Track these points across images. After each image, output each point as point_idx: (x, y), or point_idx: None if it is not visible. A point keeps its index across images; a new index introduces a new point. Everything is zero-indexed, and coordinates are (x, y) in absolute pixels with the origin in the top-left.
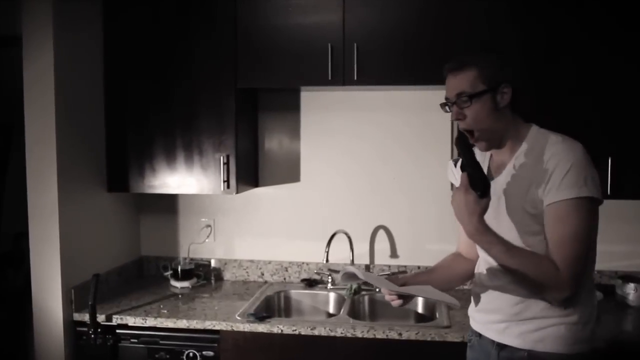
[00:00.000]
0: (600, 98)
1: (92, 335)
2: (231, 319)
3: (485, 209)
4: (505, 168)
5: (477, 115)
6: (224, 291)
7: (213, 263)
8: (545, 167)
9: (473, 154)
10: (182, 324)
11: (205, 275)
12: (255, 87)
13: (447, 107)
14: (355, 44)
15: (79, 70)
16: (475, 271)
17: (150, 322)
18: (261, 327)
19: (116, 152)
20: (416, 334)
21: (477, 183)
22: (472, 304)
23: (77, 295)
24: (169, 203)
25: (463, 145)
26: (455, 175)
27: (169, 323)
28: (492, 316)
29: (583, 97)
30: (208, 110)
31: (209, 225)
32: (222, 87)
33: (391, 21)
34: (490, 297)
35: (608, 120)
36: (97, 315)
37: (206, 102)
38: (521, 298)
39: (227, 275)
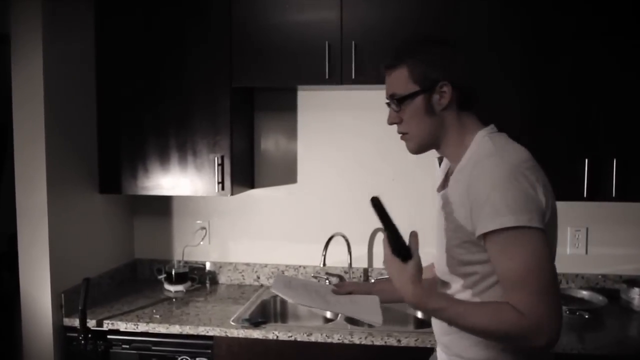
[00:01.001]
0: (604, 99)
1: (83, 341)
2: (225, 324)
3: (415, 274)
4: (449, 181)
5: (410, 120)
6: (218, 295)
7: (208, 266)
8: (468, 191)
9: (388, 216)
10: (175, 329)
11: (200, 279)
12: (250, 86)
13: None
14: (353, 42)
15: (70, 69)
16: None
17: (142, 327)
18: (256, 333)
19: (108, 152)
20: (415, 340)
21: (396, 247)
22: None
23: (67, 299)
24: (163, 205)
25: (377, 208)
26: (437, 174)
27: (162, 328)
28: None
29: (586, 99)
30: (202, 110)
31: (203, 228)
32: (217, 86)
33: (390, 19)
34: (434, 319)
35: (612, 122)
36: (88, 320)
37: (200, 102)
38: (451, 328)
39: (223, 279)
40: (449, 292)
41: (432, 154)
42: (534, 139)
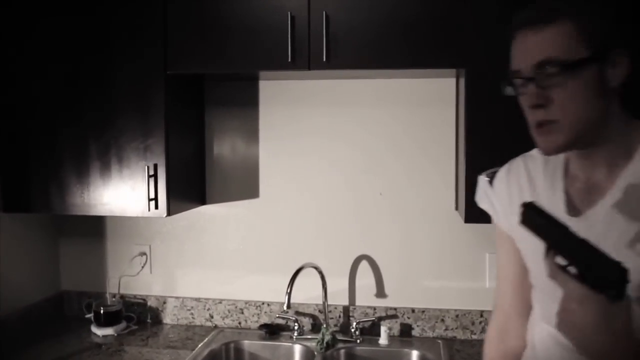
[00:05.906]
0: None
1: None
2: None
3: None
4: (606, 195)
5: (571, 100)
6: (159, 340)
7: (150, 301)
8: None
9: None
10: None
11: (139, 317)
12: (190, 72)
13: (511, 88)
14: (324, 13)
15: None
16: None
17: None
18: None
19: (12, 161)
20: None
21: (602, 274)
22: None
23: None
24: (95, 225)
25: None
26: (492, 198)
27: None
28: None
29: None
30: (129, 103)
31: (143, 253)
32: (147, 73)
33: None
34: None
35: None
36: None
37: (126, 93)
38: None
39: (167, 318)
40: None
41: (428, 165)
42: None
